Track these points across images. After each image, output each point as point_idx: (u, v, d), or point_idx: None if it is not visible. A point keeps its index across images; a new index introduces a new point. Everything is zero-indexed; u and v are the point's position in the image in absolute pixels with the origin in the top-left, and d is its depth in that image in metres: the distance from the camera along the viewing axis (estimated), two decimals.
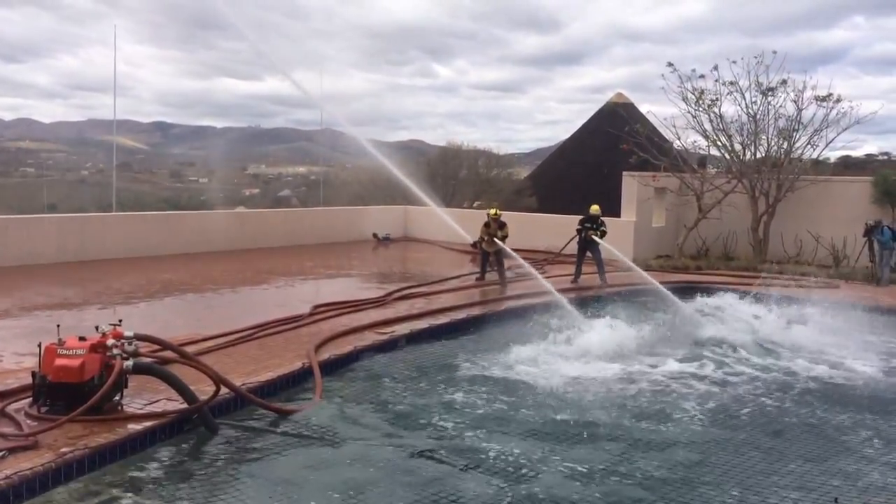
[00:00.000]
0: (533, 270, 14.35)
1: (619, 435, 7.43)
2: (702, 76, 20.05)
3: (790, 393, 9.15)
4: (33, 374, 6.84)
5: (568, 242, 16.99)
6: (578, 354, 10.18)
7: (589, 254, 16.09)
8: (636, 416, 8.01)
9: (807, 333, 11.67)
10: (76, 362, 6.62)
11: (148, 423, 6.69)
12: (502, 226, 15.23)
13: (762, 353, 10.92)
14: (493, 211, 15.55)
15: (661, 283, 14.39)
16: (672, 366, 10.04)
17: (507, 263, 15.48)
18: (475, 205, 29.19)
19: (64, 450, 5.97)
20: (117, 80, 21.99)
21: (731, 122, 20.27)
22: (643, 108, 28.59)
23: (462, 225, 17.54)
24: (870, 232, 16.84)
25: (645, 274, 15.20)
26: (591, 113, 35.40)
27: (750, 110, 19.88)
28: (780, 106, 19.68)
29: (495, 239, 15.06)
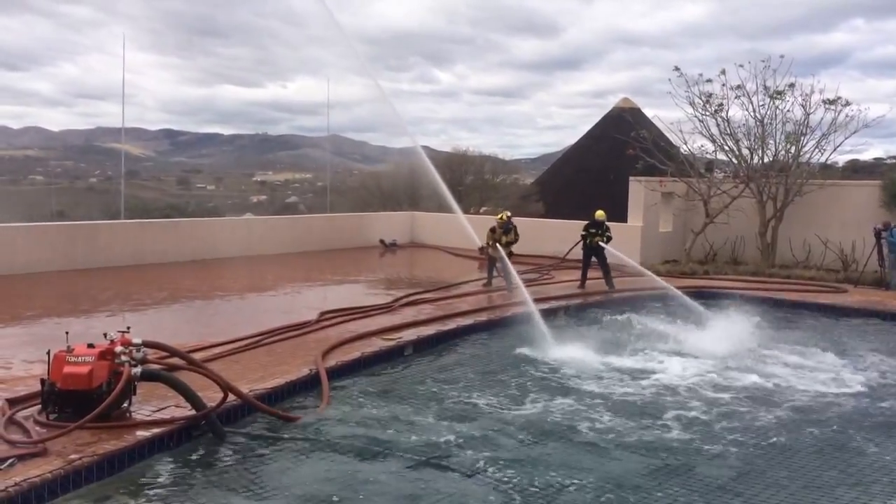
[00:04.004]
0: (519, 282, 13.95)
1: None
2: (709, 80, 20.04)
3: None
4: (42, 382, 6.85)
5: (572, 247, 16.96)
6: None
7: (595, 259, 16.06)
8: None
9: None
10: (85, 369, 6.64)
11: (156, 430, 6.70)
12: (508, 231, 15.19)
13: None
14: (500, 216, 15.52)
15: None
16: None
17: (496, 272, 15.43)
18: (481, 210, 29.18)
19: (72, 457, 5.98)
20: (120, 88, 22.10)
21: (739, 127, 20.24)
22: (647, 113, 28.61)
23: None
24: (879, 235, 16.79)
25: (657, 278, 15.09)
26: (593, 117, 35.54)
27: (757, 114, 19.86)
28: (788, 110, 19.67)
29: (498, 245, 15.02)
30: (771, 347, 11.29)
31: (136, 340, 6.98)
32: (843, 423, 8.10)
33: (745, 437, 7.60)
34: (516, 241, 15.27)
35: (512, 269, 14.61)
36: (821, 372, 10.15)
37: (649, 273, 15.37)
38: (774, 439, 7.57)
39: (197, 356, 8.38)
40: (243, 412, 7.53)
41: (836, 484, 6.53)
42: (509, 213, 15.63)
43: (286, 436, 7.19)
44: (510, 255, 15.08)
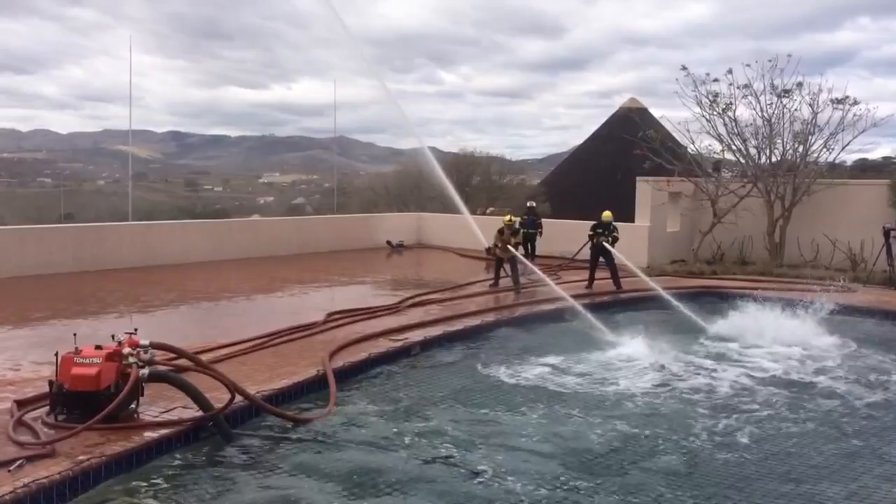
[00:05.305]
0: (545, 277, 14.25)
1: None
2: (716, 80, 19.97)
3: None
4: (50, 383, 6.88)
5: (580, 248, 16.95)
6: None
7: (602, 260, 16.03)
8: None
9: None
10: (93, 371, 6.66)
11: (164, 431, 6.72)
12: (516, 232, 15.25)
13: None
14: (507, 218, 15.57)
15: (678, 287, 14.30)
16: None
17: (521, 270, 15.47)
18: (488, 211, 29.18)
19: (80, 458, 6.00)
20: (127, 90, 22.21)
21: (746, 126, 20.16)
22: (654, 113, 28.54)
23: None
24: (888, 234, 16.69)
25: (650, 281, 15.05)
26: (600, 118, 35.43)
27: (765, 113, 19.78)
28: (796, 109, 19.58)
29: (508, 246, 15.08)
30: None
31: (144, 342, 7.00)
32: None
33: None
34: (541, 233, 15.35)
35: (533, 266, 14.70)
36: None
37: (643, 276, 15.35)
38: None
39: (204, 357, 8.40)
40: (251, 413, 7.54)
41: None
42: (533, 203, 15.80)
43: (293, 437, 7.19)
44: (532, 256, 15.11)
